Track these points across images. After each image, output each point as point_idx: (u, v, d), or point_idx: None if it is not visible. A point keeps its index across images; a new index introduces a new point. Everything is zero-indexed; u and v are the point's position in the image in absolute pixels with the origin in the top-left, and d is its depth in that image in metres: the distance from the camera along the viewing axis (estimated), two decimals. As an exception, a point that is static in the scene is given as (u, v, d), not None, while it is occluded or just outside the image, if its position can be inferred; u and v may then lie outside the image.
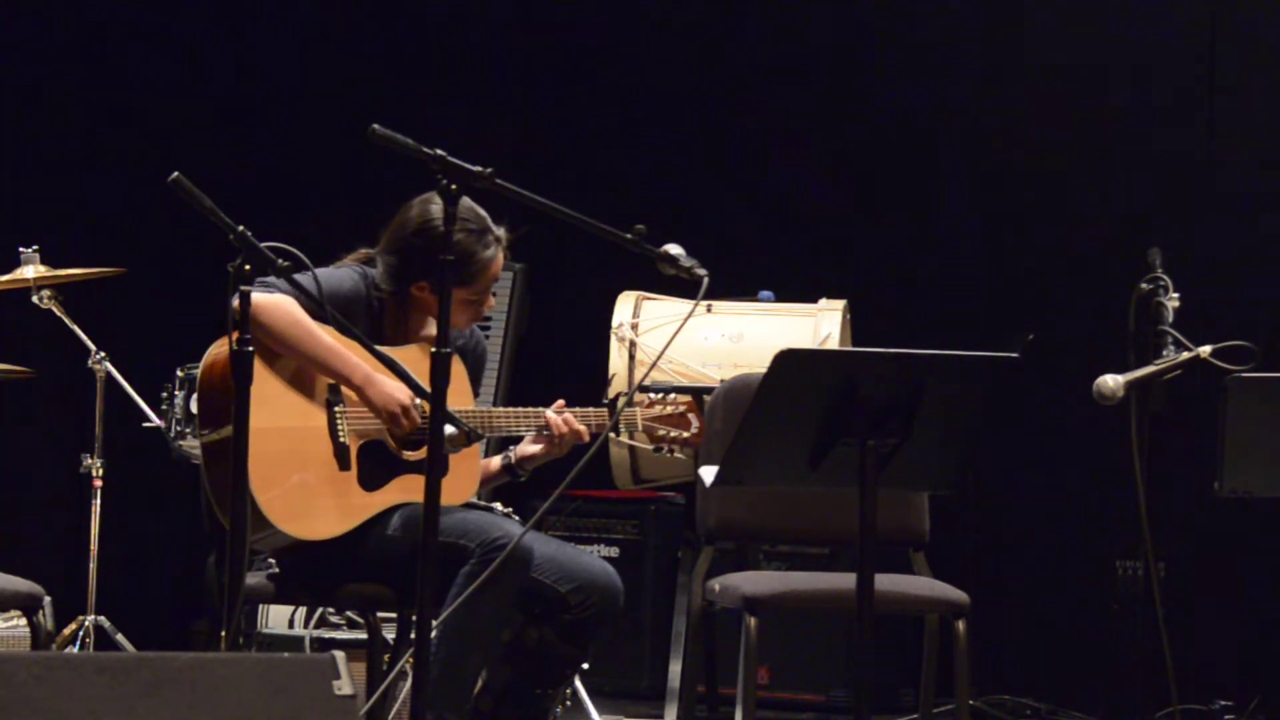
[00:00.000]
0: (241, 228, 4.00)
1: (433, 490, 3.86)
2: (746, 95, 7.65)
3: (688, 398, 5.02)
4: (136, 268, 6.60)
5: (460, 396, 4.72)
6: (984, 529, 7.04)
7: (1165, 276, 5.04)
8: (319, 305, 4.30)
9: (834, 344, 6.12)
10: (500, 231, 4.81)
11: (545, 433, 4.85)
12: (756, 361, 5.68)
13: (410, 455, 4.74)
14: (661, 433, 4.97)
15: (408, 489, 4.72)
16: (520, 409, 4.87)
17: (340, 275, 4.76)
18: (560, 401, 4.88)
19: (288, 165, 7.84)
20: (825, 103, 7.58)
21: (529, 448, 4.93)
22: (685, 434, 4.97)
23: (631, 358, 6.17)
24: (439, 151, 3.97)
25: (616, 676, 6.75)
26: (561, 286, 7.19)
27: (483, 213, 4.77)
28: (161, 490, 7.19)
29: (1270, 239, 6.96)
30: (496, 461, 5.00)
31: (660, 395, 5.00)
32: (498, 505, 5.13)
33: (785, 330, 6.21)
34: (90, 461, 6.33)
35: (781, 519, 5.33)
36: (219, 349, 4.63)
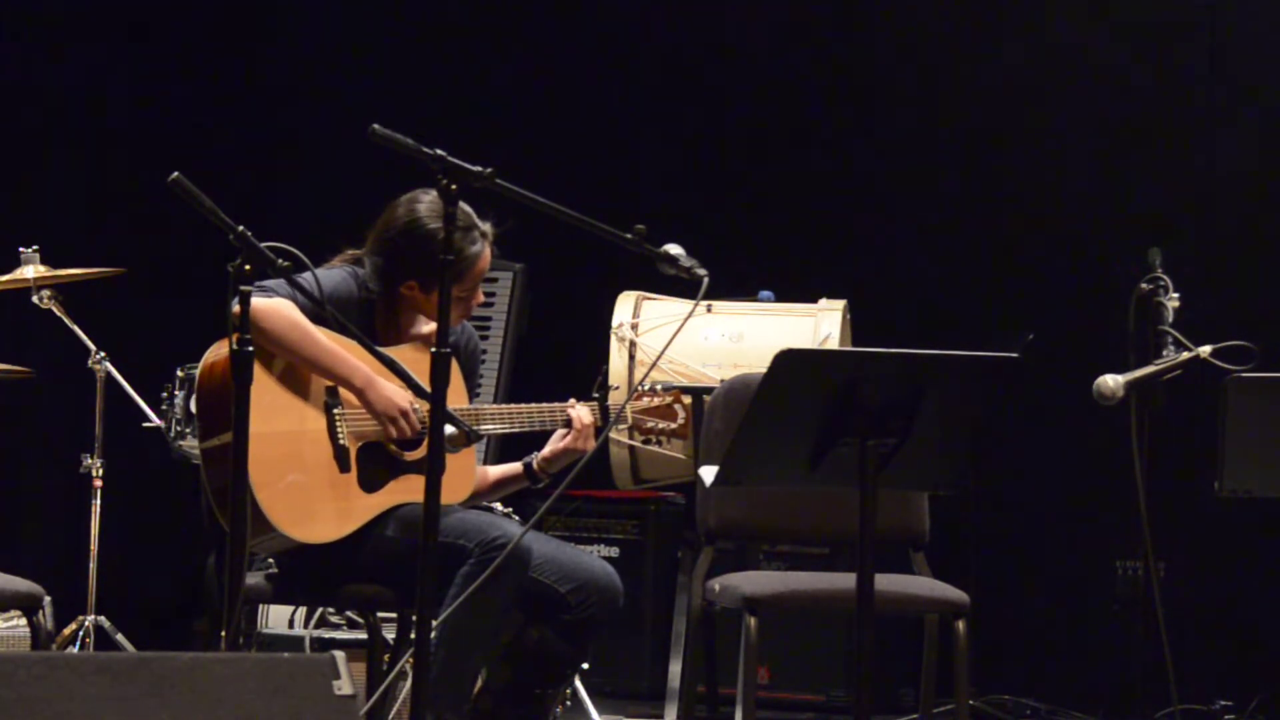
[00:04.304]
0: (241, 228, 4.00)
1: (433, 490, 3.86)
2: (747, 95, 7.65)
3: (675, 390, 5.02)
4: (136, 268, 6.60)
5: (455, 395, 4.71)
6: (984, 529, 7.04)
7: (1165, 276, 5.04)
8: (319, 306, 4.30)
9: (834, 344, 6.12)
10: (486, 227, 4.80)
11: (566, 426, 4.85)
12: (756, 361, 5.67)
13: (408, 455, 4.74)
14: (649, 425, 4.97)
15: (407, 489, 4.71)
16: (535, 405, 4.87)
17: (333, 276, 4.75)
18: (571, 400, 4.89)
19: (288, 165, 7.85)
20: (825, 102, 7.58)
21: (551, 449, 4.92)
22: (672, 425, 4.96)
23: (631, 358, 6.17)
24: (439, 151, 3.97)
25: (616, 676, 6.75)
26: (561, 286, 7.18)
27: (468, 209, 4.75)
28: (161, 490, 7.17)
29: (1270, 239, 6.96)
30: (516, 466, 4.99)
31: (648, 388, 4.99)
32: (497, 505, 5.12)
33: (785, 330, 6.21)
34: (90, 461, 6.32)
35: (781, 519, 5.33)
36: (215, 354, 4.62)
